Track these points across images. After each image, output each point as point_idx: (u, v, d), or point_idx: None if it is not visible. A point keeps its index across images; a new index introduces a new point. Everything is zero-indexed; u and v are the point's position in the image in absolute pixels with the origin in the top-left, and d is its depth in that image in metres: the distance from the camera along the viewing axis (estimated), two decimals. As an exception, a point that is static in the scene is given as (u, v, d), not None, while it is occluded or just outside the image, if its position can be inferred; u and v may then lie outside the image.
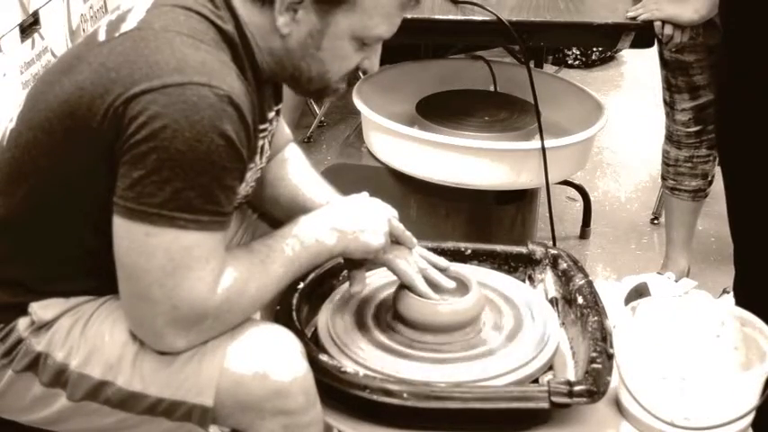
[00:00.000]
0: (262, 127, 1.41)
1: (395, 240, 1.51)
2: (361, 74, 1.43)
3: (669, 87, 2.50)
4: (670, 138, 2.56)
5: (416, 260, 1.52)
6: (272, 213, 1.61)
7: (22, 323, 1.34)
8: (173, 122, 1.19)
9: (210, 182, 1.22)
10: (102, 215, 1.25)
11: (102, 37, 1.30)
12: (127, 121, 1.21)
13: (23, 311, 1.34)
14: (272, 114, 1.46)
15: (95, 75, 1.25)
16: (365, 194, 1.51)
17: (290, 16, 1.31)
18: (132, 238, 1.23)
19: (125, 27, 1.28)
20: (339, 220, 1.42)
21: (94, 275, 1.34)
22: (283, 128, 1.64)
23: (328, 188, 1.60)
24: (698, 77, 2.42)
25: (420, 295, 1.49)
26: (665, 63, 2.47)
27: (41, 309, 1.33)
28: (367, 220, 1.44)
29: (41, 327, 1.34)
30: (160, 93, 1.20)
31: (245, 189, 1.40)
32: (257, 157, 1.41)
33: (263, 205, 1.63)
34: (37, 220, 1.32)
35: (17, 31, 2.18)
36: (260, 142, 1.41)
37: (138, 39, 1.25)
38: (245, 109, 1.25)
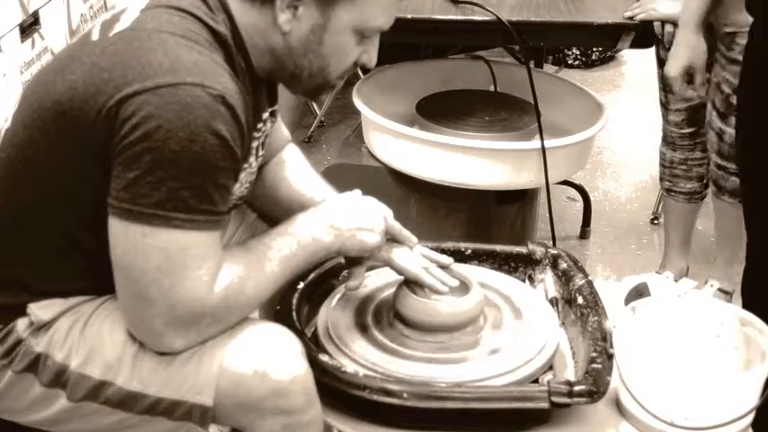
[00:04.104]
0: (256, 128, 1.41)
1: (393, 239, 1.51)
2: (359, 70, 1.44)
3: (664, 87, 2.49)
4: (665, 139, 2.56)
5: (418, 258, 1.53)
6: (272, 214, 1.61)
7: (21, 324, 1.34)
8: (166, 123, 1.19)
9: (205, 181, 1.22)
10: (98, 215, 1.25)
11: (95, 37, 1.30)
12: (120, 121, 1.20)
13: (22, 312, 1.34)
14: (266, 115, 1.46)
15: (88, 74, 1.25)
16: (358, 192, 1.51)
17: (291, 13, 1.32)
18: (129, 239, 1.23)
19: (119, 27, 1.28)
20: (336, 217, 1.42)
21: (92, 275, 1.34)
22: (281, 129, 1.64)
23: (328, 188, 1.60)
24: (693, 78, 2.42)
25: (428, 288, 1.49)
26: (660, 63, 2.47)
27: (40, 309, 1.33)
28: (364, 218, 1.45)
29: (40, 327, 1.33)
30: (153, 93, 1.20)
31: (239, 190, 1.40)
32: (251, 158, 1.41)
33: (263, 206, 1.63)
34: (33, 219, 1.32)
35: (17, 31, 2.18)
36: (254, 143, 1.41)
37: (131, 39, 1.25)
38: (239, 109, 1.25)
